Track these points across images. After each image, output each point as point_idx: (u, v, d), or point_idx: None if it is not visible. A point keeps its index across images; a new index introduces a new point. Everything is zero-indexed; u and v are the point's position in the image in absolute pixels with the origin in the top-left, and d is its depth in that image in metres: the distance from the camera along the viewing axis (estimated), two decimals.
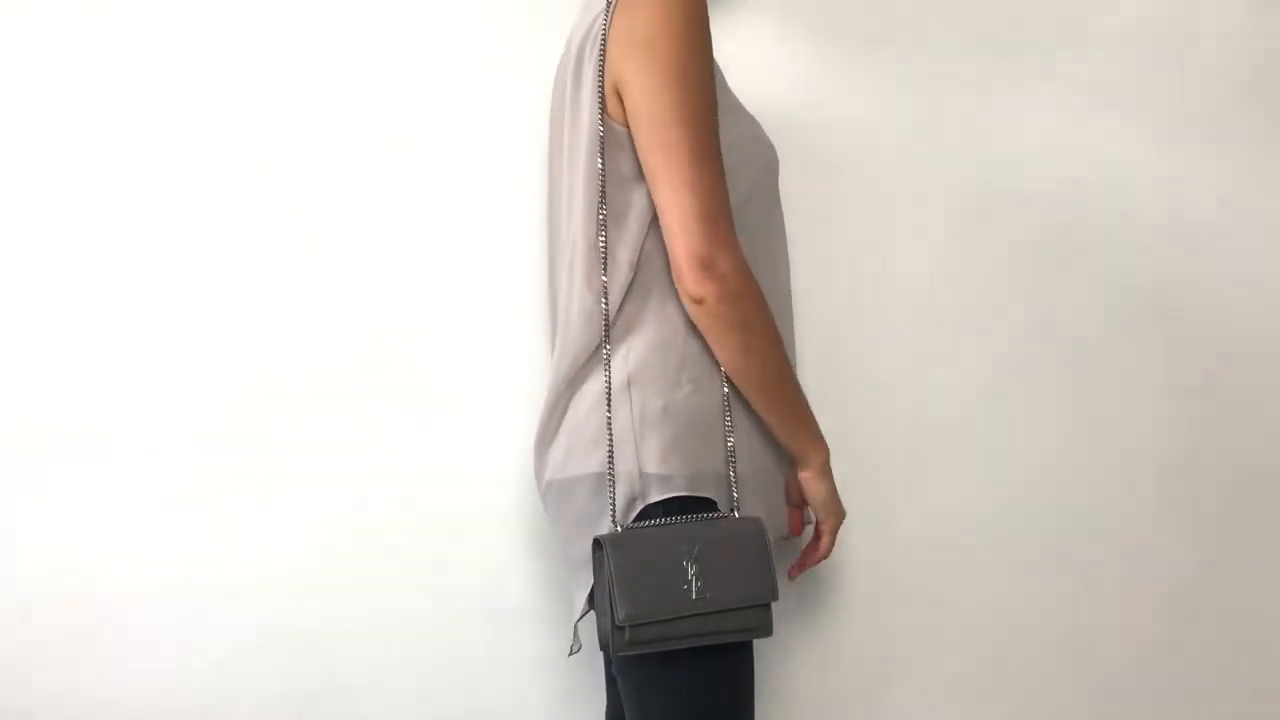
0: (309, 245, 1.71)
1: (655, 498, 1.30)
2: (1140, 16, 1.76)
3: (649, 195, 1.32)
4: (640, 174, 1.32)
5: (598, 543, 1.30)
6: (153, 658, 1.68)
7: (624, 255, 1.34)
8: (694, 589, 1.26)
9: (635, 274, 1.34)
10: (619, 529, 1.31)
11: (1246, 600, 1.74)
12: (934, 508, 1.72)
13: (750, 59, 1.71)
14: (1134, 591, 1.74)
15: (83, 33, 1.71)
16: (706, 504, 1.31)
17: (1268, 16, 1.77)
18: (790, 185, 1.62)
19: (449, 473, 1.69)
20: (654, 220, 1.33)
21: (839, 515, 1.44)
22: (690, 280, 1.26)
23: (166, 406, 1.70)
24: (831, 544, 1.46)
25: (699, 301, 1.27)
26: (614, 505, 1.32)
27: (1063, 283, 1.75)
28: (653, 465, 1.30)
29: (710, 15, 1.33)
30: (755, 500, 1.35)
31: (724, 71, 1.50)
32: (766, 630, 1.29)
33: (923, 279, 1.74)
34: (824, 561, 1.67)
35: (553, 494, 1.38)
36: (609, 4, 1.33)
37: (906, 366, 1.73)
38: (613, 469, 1.32)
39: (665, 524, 1.30)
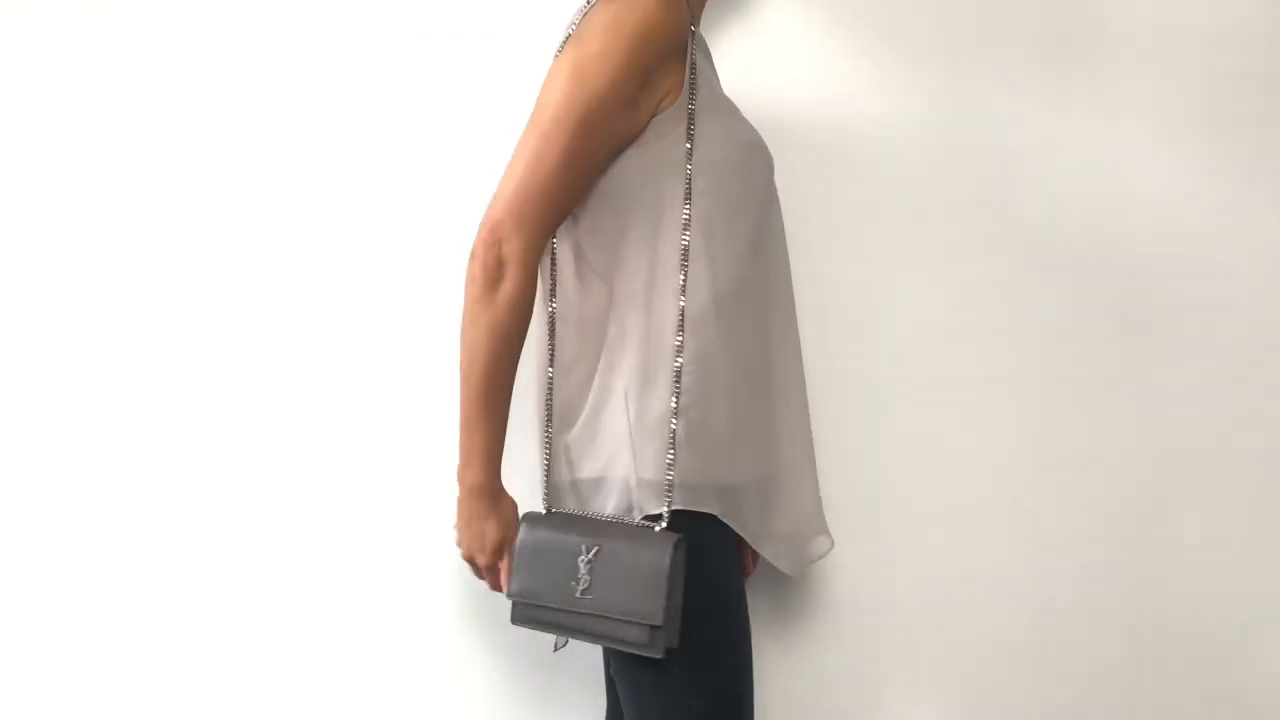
0: (310, 247, 1.71)
1: (653, 509, 1.30)
2: (1148, 18, 1.77)
3: (620, 202, 1.33)
4: (613, 180, 1.34)
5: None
6: (153, 657, 1.67)
7: (606, 264, 1.34)
8: (580, 587, 1.27)
9: (624, 283, 1.33)
10: (545, 510, 1.35)
11: (1245, 603, 1.74)
12: (931, 509, 1.72)
13: (754, 59, 1.71)
14: (1131, 595, 1.73)
15: (81, 34, 1.71)
16: (710, 519, 1.31)
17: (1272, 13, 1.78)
18: (793, 185, 1.63)
19: (450, 473, 1.69)
20: (634, 227, 1.33)
21: (465, 545, 1.37)
22: (477, 238, 1.28)
23: (171, 406, 1.69)
24: (476, 571, 1.40)
25: (471, 257, 1.29)
26: (547, 489, 1.36)
27: (1064, 284, 1.75)
28: (649, 472, 1.30)
29: (713, 15, 1.33)
30: (751, 514, 1.35)
31: (732, 72, 1.50)
32: (654, 650, 1.25)
33: (924, 281, 1.74)
34: (823, 561, 1.66)
35: (551, 495, 1.39)
36: (587, 6, 1.35)
37: (906, 368, 1.73)
38: (549, 474, 1.36)
39: (584, 517, 1.33)
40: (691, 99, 1.33)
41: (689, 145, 1.31)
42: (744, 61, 1.68)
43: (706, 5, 1.50)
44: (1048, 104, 1.75)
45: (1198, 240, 1.76)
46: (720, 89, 1.43)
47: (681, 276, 1.31)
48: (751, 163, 1.39)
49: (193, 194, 1.71)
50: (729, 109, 1.41)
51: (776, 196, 1.47)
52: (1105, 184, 1.76)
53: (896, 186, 1.74)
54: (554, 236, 1.36)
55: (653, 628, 1.24)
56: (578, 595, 1.27)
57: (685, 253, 1.31)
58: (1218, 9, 1.77)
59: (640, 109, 1.29)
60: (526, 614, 1.34)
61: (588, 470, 1.34)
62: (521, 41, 1.70)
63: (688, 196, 1.31)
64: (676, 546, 1.25)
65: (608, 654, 1.50)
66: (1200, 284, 1.76)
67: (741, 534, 1.34)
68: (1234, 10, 1.77)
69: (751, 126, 1.43)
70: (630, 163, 1.32)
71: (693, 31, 1.35)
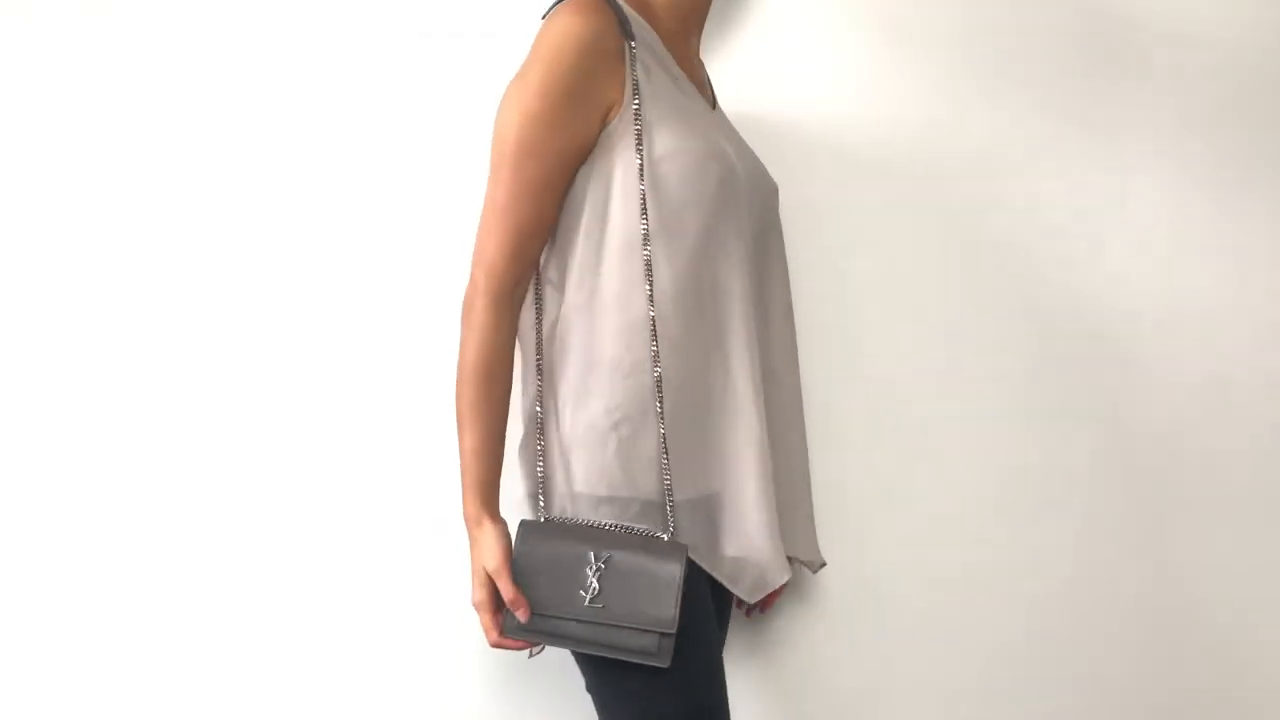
0: (310, 247, 1.71)
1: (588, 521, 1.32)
2: (1148, 19, 1.76)
3: (569, 218, 1.34)
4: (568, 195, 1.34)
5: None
6: (153, 657, 1.69)
7: (559, 278, 1.35)
8: (589, 595, 1.26)
9: (570, 296, 1.34)
10: (543, 518, 1.33)
11: (1233, 605, 1.74)
12: (928, 514, 1.72)
13: (755, 68, 1.71)
14: (1122, 597, 1.74)
15: (81, 34, 1.71)
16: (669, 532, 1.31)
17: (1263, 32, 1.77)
18: (792, 191, 1.62)
19: (447, 474, 1.69)
20: (580, 241, 1.33)
21: (474, 587, 1.31)
22: None
23: (172, 408, 1.70)
24: (484, 625, 1.32)
25: None
26: (542, 499, 1.33)
27: (1063, 286, 1.75)
28: (580, 485, 1.31)
29: (714, 21, 1.31)
30: (691, 533, 1.34)
31: (732, 80, 1.48)
32: (661, 659, 1.25)
33: (921, 284, 1.74)
34: (813, 573, 1.65)
35: (523, 506, 1.41)
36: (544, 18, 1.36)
37: (901, 372, 1.73)
38: (544, 485, 1.34)
39: (589, 525, 1.30)
40: (637, 116, 1.32)
41: (640, 160, 1.31)
42: (745, 69, 1.67)
43: (710, 10, 1.48)
44: (1047, 106, 1.75)
45: (1197, 240, 1.75)
46: (680, 97, 1.39)
47: (620, 290, 1.32)
48: (701, 174, 1.34)
49: (193, 194, 1.71)
50: (686, 118, 1.37)
51: (746, 207, 1.41)
52: (1105, 184, 1.75)
53: (896, 189, 1.73)
54: (532, 263, 1.36)
55: (663, 635, 1.25)
56: (586, 604, 1.27)
57: (622, 265, 1.32)
58: (1218, 9, 1.76)
59: (586, 125, 1.31)
60: (525, 625, 1.30)
61: (530, 485, 1.36)
62: (521, 41, 1.69)
63: (642, 211, 1.31)
64: (684, 555, 1.28)
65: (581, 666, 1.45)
66: (1200, 284, 1.75)
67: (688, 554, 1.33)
68: (1235, 11, 1.76)
69: (716, 135, 1.39)
70: (579, 177, 1.33)
71: (632, 46, 1.33)
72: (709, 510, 1.36)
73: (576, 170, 1.33)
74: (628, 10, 1.36)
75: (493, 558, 1.29)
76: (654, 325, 1.31)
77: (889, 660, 1.71)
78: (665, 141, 1.33)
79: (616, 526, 1.30)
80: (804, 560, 1.53)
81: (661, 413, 1.31)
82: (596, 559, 1.27)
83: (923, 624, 1.71)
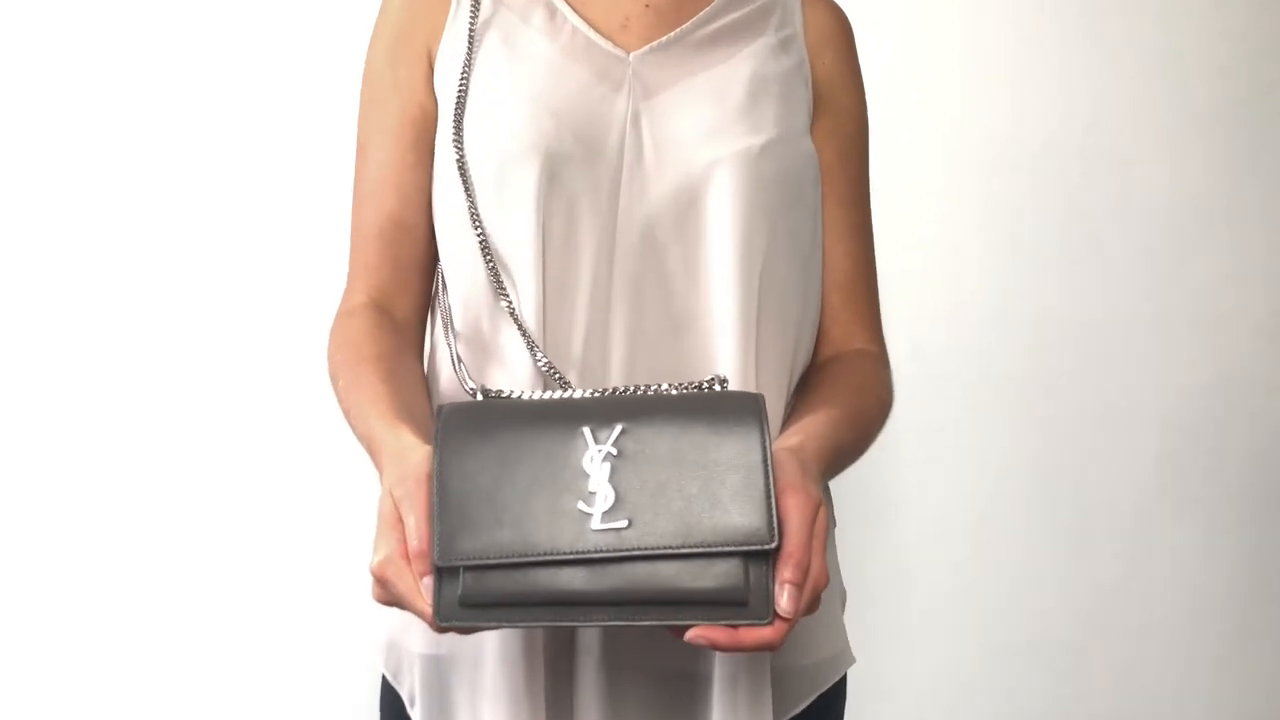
0: (309, 247, 1.70)
1: None
2: (1148, 18, 1.76)
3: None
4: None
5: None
6: (150, 657, 1.68)
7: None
8: (598, 510, 0.68)
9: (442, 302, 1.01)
10: (475, 393, 0.79)
11: (1234, 604, 1.75)
12: (923, 514, 1.73)
13: None
14: (1121, 596, 1.74)
15: (81, 34, 1.70)
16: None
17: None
18: None
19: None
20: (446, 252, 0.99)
21: (376, 536, 0.74)
22: None
23: (169, 408, 1.69)
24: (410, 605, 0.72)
25: None
26: (462, 366, 0.89)
27: (1061, 283, 1.75)
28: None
29: None
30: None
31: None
32: (756, 612, 0.67)
33: (921, 280, 1.74)
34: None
35: None
36: None
37: (900, 372, 1.71)
38: None
39: (565, 392, 0.78)
40: (462, 63, 0.96)
41: (454, 133, 0.95)
42: None
43: None
44: (1047, 105, 1.75)
45: (1196, 239, 1.76)
46: (533, 42, 0.96)
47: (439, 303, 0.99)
48: (502, 166, 0.92)
49: (193, 194, 1.70)
50: (525, 71, 0.95)
51: (585, 181, 0.93)
52: (1105, 184, 1.76)
53: (895, 189, 1.73)
54: (391, 274, 1.00)
55: (749, 556, 0.68)
56: (596, 527, 0.67)
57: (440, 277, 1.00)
58: (1218, 10, 1.76)
59: (411, 89, 1.00)
60: (479, 593, 0.68)
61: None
62: None
63: (467, 205, 0.93)
64: (760, 407, 0.72)
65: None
66: (1200, 284, 1.76)
67: None
68: (1235, 11, 1.76)
69: (572, 88, 0.93)
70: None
71: None
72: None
73: (432, 149, 0.97)
74: None
75: (405, 475, 0.73)
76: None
77: (890, 660, 1.71)
78: (477, 99, 0.95)
79: (621, 389, 0.78)
80: None
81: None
82: (598, 439, 0.69)
83: (922, 624, 1.72)
